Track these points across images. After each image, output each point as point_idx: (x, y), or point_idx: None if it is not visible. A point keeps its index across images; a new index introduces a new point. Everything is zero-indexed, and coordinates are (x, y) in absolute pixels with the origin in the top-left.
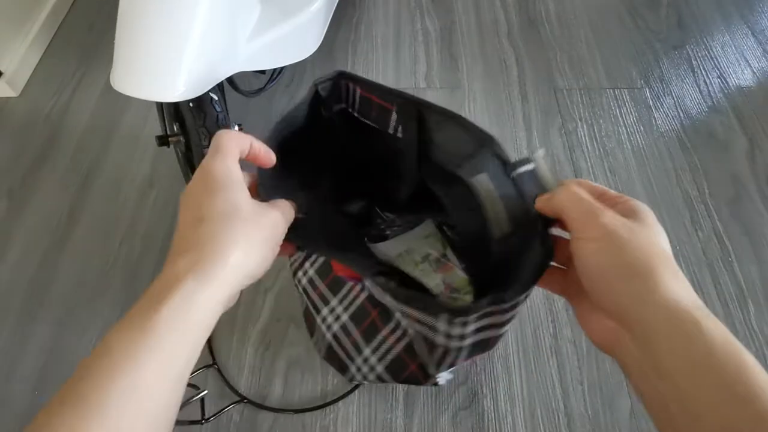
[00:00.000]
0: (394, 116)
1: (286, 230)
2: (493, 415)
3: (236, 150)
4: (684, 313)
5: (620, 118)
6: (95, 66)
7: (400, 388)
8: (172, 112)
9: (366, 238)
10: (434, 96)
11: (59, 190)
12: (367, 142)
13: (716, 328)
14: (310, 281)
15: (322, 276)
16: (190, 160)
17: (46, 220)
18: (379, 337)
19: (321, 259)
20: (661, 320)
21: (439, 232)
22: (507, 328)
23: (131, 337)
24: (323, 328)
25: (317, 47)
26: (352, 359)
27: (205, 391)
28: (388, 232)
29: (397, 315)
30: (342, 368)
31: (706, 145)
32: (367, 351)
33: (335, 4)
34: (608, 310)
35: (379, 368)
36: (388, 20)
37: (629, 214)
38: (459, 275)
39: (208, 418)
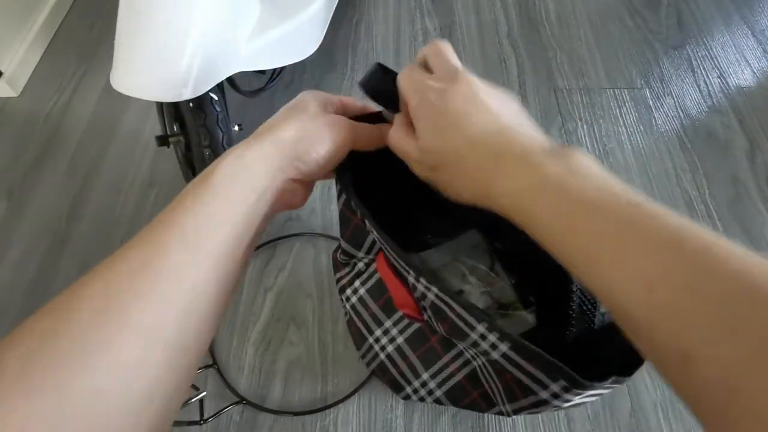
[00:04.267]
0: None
1: (347, 139)
2: (492, 414)
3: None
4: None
5: (620, 118)
6: (95, 66)
7: None
8: (172, 112)
9: (411, 248)
10: None
11: (59, 190)
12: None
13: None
14: (361, 300)
15: (374, 296)
16: (190, 160)
17: (46, 220)
18: (440, 364)
19: (373, 279)
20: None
21: (485, 243)
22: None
23: (198, 188)
24: (376, 347)
25: (317, 47)
26: (408, 381)
27: (204, 393)
28: (431, 241)
29: (494, 354)
30: (395, 386)
31: (706, 145)
32: (425, 375)
33: (335, 5)
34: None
35: (438, 393)
36: (388, 21)
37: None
38: (507, 290)
39: (207, 419)
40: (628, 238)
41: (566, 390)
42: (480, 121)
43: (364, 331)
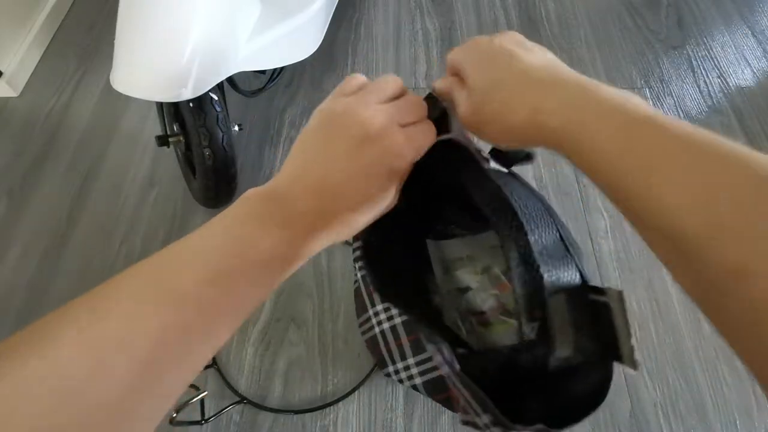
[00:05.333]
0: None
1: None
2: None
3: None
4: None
5: None
6: (95, 66)
7: (400, 388)
8: (172, 112)
9: (430, 234)
10: None
11: (59, 190)
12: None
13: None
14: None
15: None
16: (190, 160)
17: (46, 220)
18: (427, 354)
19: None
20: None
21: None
22: None
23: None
24: (373, 320)
25: (317, 47)
26: (393, 361)
27: (205, 392)
28: (455, 231)
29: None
30: (380, 363)
31: None
32: (411, 360)
33: (335, 4)
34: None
35: (418, 380)
36: (388, 20)
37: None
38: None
39: (208, 419)
40: (690, 150)
41: (494, 424)
42: (528, 57)
43: (367, 302)
